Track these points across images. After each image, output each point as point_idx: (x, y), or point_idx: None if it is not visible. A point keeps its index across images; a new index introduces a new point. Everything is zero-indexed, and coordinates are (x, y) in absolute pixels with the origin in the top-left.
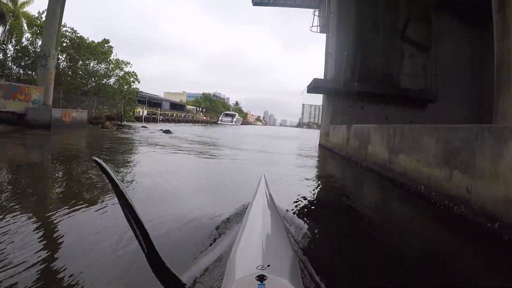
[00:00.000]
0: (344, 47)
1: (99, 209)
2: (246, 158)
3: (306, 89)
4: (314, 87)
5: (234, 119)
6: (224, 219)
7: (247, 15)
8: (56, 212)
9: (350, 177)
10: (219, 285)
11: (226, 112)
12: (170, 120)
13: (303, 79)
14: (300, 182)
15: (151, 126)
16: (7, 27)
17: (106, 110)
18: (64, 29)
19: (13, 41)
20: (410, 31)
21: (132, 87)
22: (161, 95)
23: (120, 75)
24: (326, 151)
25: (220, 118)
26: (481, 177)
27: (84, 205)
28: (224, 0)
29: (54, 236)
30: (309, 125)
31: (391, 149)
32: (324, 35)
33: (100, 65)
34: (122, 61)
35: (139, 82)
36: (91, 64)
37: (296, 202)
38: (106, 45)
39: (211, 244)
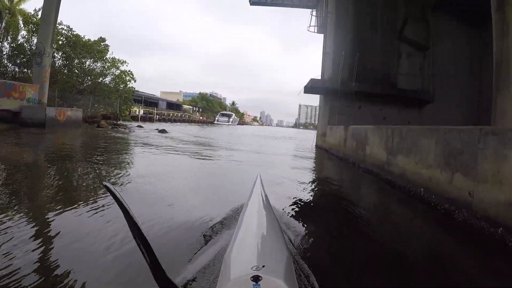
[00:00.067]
0: (342, 46)
1: (92, 210)
2: (242, 159)
3: (303, 89)
4: (311, 87)
5: (231, 119)
6: (219, 220)
7: (247, 15)
8: (48, 212)
9: (347, 178)
10: (214, 286)
11: (223, 112)
12: (166, 119)
13: (302, 78)
14: (296, 183)
15: (147, 125)
16: (3, 24)
17: (102, 109)
18: (60, 27)
19: (9, 39)
20: (408, 31)
21: (128, 86)
22: (158, 94)
23: (116, 74)
24: (322, 152)
25: (216, 118)
26: (484, 180)
27: (76, 206)
28: (224, 0)
29: (46, 236)
30: (305, 126)
31: (389, 150)
32: (322, 36)
33: (96, 63)
34: (118, 59)
35: (135, 81)
36: (87, 63)
37: (292, 203)
38: (102, 44)
39: (205, 245)
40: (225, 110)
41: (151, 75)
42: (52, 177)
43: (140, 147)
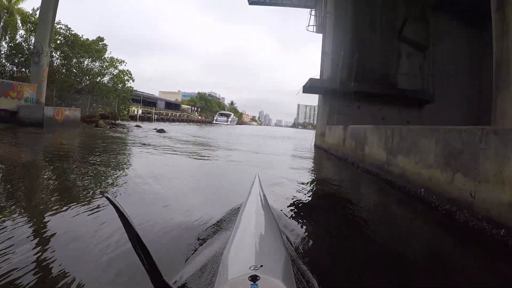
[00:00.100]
0: (341, 46)
1: (89, 210)
2: (241, 159)
3: (302, 89)
4: (310, 87)
5: (229, 119)
6: (217, 219)
7: (247, 15)
8: (45, 212)
9: (347, 178)
10: (212, 286)
11: (221, 111)
12: (165, 119)
13: (301, 78)
14: (294, 183)
15: (145, 125)
16: (1, 23)
17: (100, 108)
18: (58, 26)
19: (7, 38)
20: (407, 31)
21: (126, 86)
22: (157, 94)
23: (115, 73)
24: (321, 151)
25: (215, 118)
26: (486, 180)
27: (73, 206)
28: (224, 0)
29: (43, 237)
30: (304, 126)
31: (389, 150)
32: (321, 35)
33: (94, 63)
34: (116, 59)
35: (133, 80)
36: (85, 62)
37: (290, 203)
38: (100, 43)
39: (203, 245)
40: (224, 109)
41: (151, 75)
42: (49, 178)
43: (138, 147)
